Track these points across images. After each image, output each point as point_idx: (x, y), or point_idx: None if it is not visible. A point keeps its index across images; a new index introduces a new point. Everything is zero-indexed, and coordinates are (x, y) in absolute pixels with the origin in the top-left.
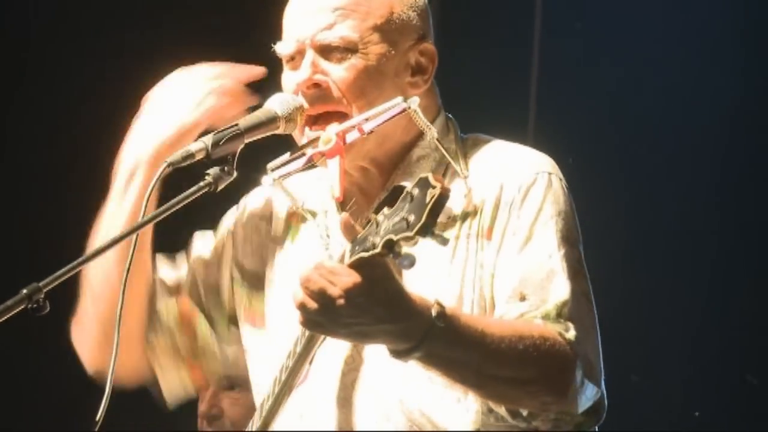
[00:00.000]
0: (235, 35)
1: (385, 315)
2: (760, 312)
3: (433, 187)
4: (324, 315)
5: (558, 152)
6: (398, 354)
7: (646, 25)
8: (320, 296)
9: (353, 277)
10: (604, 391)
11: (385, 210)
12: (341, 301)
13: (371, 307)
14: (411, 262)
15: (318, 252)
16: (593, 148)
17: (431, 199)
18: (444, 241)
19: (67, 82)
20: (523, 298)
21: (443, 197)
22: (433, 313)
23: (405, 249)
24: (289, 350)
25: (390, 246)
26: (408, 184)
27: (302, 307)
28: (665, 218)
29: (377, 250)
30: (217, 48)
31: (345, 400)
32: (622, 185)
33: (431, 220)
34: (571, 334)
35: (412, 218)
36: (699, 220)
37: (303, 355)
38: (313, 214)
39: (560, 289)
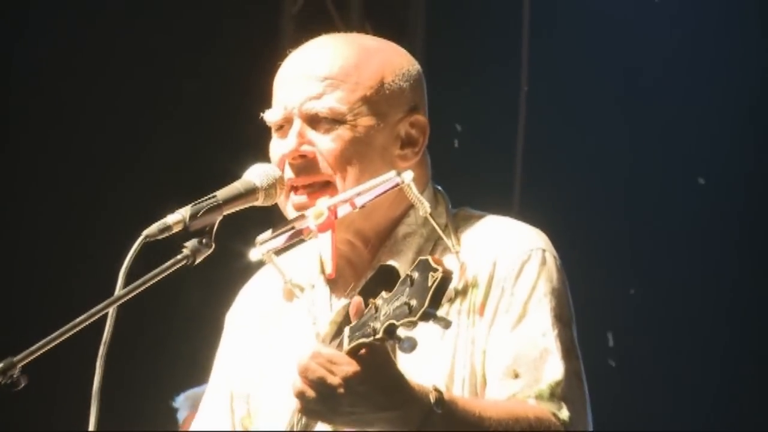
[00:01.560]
0: (224, 102)
1: (385, 402)
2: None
3: (435, 270)
4: (323, 404)
5: (543, 220)
6: None
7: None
8: (319, 385)
9: (353, 366)
10: None
11: (384, 294)
12: (341, 390)
13: (371, 395)
14: (412, 345)
15: (306, 328)
16: (579, 214)
17: (434, 283)
18: (448, 324)
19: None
20: (516, 376)
21: (446, 280)
22: (432, 399)
23: (405, 333)
24: None
25: (391, 331)
26: (395, 263)
27: (301, 395)
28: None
29: (379, 336)
30: (208, 114)
31: None
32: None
33: (435, 305)
34: (565, 414)
35: (414, 303)
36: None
37: None
38: (301, 289)
39: (554, 369)
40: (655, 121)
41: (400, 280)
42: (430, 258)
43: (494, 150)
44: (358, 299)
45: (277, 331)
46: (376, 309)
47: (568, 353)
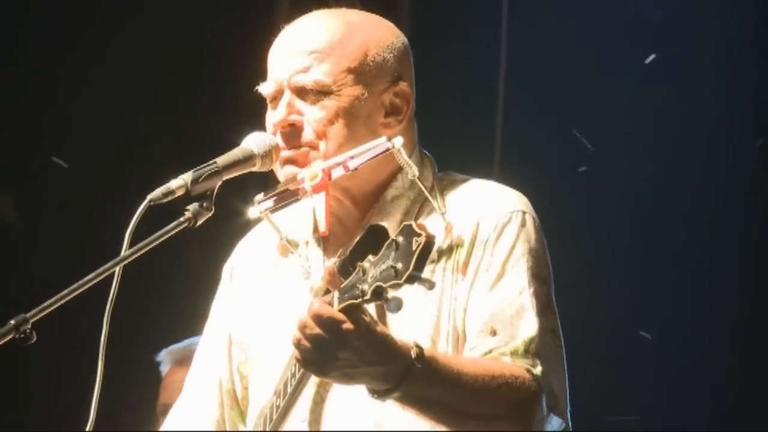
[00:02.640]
0: (223, 76)
1: (374, 357)
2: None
3: (419, 235)
4: (319, 354)
5: (523, 183)
6: (377, 394)
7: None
8: (317, 339)
9: (347, 324)
10: (569, 422)
11: (371, 257)
12: (337, 344)
13: (362, 350)
14: (398, 305)
15: (299, 282)
16: (558, 182)
17: (417, 247)
18: (431, 285)
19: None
20: (493, 333)
21: (429, 245)
22: (413, 354)
23: (392, 294)
24: (278, 389)
25: (379, 293)
26: (385, 224)
27: (299, 346)
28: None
29: (367, 297)
30: (209, 87)
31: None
32: (586, 218)
33: (419, 267)
34: (538, 369)
35: (399, 266)
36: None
37: (292, 397)
38: (295, 245)
39: (529, 326)
40: (634, 88)
41: (386, 243)
42: (414, 223)
43: (475, 118)
44: (330, 267)
45: (272, 283)
46: (364, 272)
47: (543, 309)
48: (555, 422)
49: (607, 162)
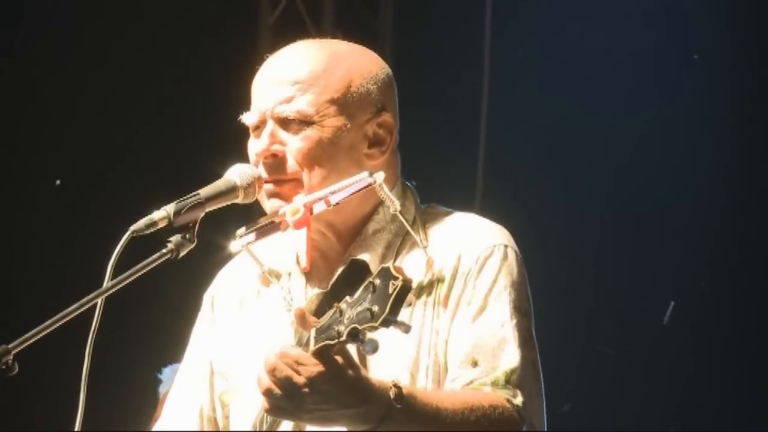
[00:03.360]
0: (206, 106)
1: (349, 400)
2: None
3: (395, 279)
4: (289, 401)
5: (506, 215)
6: None
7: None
8: (286, 383)
9: (318, 366)
10: None
11: (348, 298)
12: (306, 389)
13: (335, 393)
14: (374, 347)
15: (281, 314)
16: (539, 210)
17: (394, 291)
18: (407, 329)
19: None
20: (475, 364)
21: (405, 288)
22: (391, 394)
23: (368, 335)
24: (255, 424)
25: (355, 335)
26: (366, 257)
27: (268, 393)
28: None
29: (343, 338)
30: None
31: None
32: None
33: (395, 312)
34: (519, 400)
35: (375, 309)
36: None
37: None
38: (278, 276)
39: (510, 357)
40: (617, 116)
41: (363, 285)
42: (391, 266)
43: (458, 149)
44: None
45: (253, 313)
46: (341, 313)
47: (525, 342)
48: None
49: (590, 192)
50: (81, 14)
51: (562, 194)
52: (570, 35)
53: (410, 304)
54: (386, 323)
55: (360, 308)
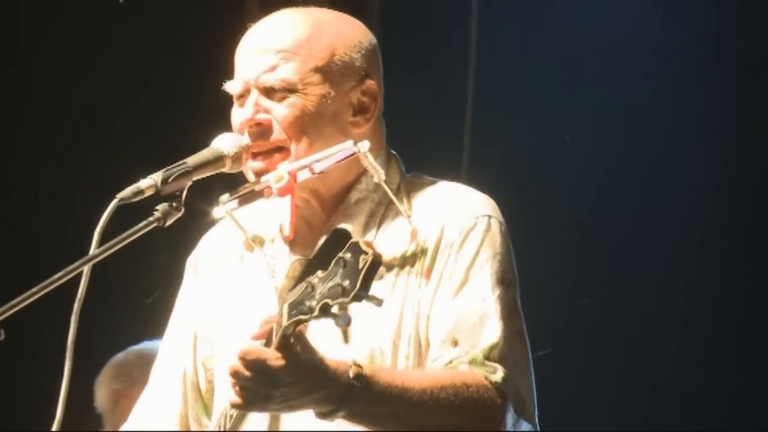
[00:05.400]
0: (193, 75)
1: (310, 386)
2: None
3: (365, 253)
4: (256, 396)
5: (492, 185)
6: (323, 415)
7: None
8: (251, 383)
9: (279, 360)
10: (538, 427)
11: (319, 273)
12: (271, 384)
13: (297, 383)
14: (347, 321)
15: (264, 280)
16: (527, 183)
17: (364, 266)
18: (379, 303)
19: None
20: (455, 343)
21: (376, 263)
22: (351, 374)
23: (338, 310)
24: (219, 422)
25: (326, 309)
26: (348, 227)
27: (237, 392)
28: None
29: (315, 314)
30: (178, 86)
31: None
32: (553, 213)
33: (366, 286)
34: (498, 375)
35: (346, 284)
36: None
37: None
38: (261, 242)
39: (491, 332)
40: (608, 85)
41: (334, 260)
42: (361, 241)
43: (444, 118)
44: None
45: (237, 278)
46: (312, 288)
47: (509, 314)
48: (524, 428)
49: (577, 160)
50: None
51: (550, 163)
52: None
53: (396, 275)
54: (357, 298)
55: (331, 283)
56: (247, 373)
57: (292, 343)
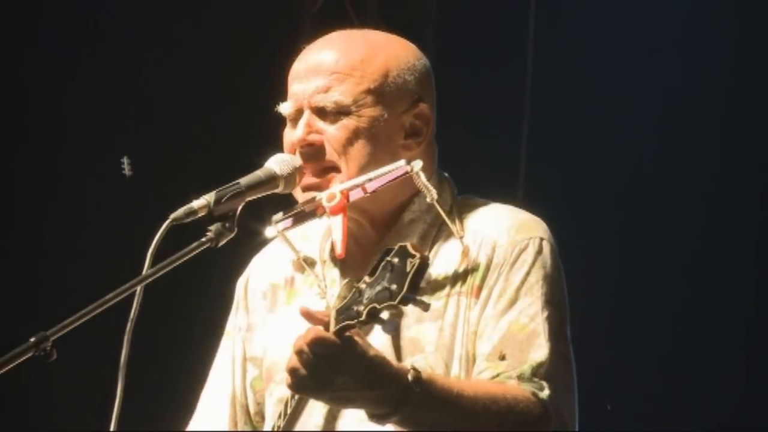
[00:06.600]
0: (246, 94)
1: (370, 380)
2: None
3: (413, 257)
4: (314, 380)
5: (547, 207)
6: (377, 418)
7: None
8: (312, 364)
9: (341, 347)
10: None
11: (366, 278)
12: (330, 370)
13: (357, 375)
14: (394, 327)
15: (315, 300)
16: (580, 204)
17: (412, 269)
18: (426, 307)
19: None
20: (502, 357)
21: (423, 266)
22: (410, 378)
23: (387, 315)
24: (279, 411)
25: (373, 314)
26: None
27: (293, 371)
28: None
29: (362, 318)
30: (233, 107)
31: None
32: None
33: (413, 289)
34: (545, 393)
35: (394, 287)
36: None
37: (292, 418)
38: (312, 264)
39: (539, 351)
40: (662, 116)
41: (381, 265)
42: (409, 245)
43: (501, 141)
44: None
45: (287, 300)
46: (360, 293)
47: (555, 335)
48: None
49: (631, 184)
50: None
51: (605, 187)
52: (615, 26)
53: (447, 295)
54: (405, 301)
55: (378, 287)
56: (311, 355)
57: (352, 336)
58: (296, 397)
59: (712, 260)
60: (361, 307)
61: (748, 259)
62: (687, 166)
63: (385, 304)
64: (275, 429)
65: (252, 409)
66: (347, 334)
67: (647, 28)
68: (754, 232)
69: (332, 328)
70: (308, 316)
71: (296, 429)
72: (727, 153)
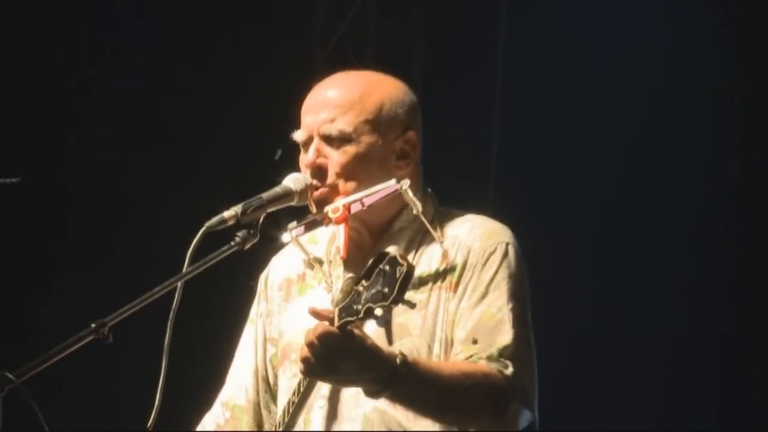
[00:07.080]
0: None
1: (366, 365)
2: None
3: (401, 265)
4: (323, 366)
5: (513, 216)
6: (371, 393)
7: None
8: (321, 354)
9: (344, 339)
10: (537, 416)
11: (364, 282)
12: (337, 358)
13: (358, 360)
14: (386, 321)
15: (322, 293)
16: (544, 218)
17: (400, 275)
18: (412, 306)
19: None
20: (475, 342)
21: (410, 273)
22: (398, 361)
23: (380, 312)
24: (293, 388)
25: (370, 312)
26: (393, 249)
27: (305, 360)
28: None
29: (361, 315)
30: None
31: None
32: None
33: (402, 291)
34: (510, 371)
35: (386, 290)
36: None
37: (305, 393)
38: (320, 263)
39: (505, 336)
40: (630, 121)
41: (376, 272)
42: (398, 255)
43: (473, 160)
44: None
45: (299, 291)
46: (358, 294)
47: (519, 323)
48: (525, 415)
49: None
50: (148, 40)
51: (562, 205)
52: (587, 37)
53: (430, 289)
54: (396, 302)
55: (374, 290)
56: (320, 346)
57: (352, 330)
58: (305, 382)
59: (684, 251)
60: (360, 306)
61: (719, 257)
62: (663, 163)
63: (379, 304)
64: (291, 402)
65: (271, 381)
66: (348, 328)
67: (622, 24)
68: (725, 234)
69: (336, 323)
70: (316, 314)
71: (309, 401)
72: (693, 149)
